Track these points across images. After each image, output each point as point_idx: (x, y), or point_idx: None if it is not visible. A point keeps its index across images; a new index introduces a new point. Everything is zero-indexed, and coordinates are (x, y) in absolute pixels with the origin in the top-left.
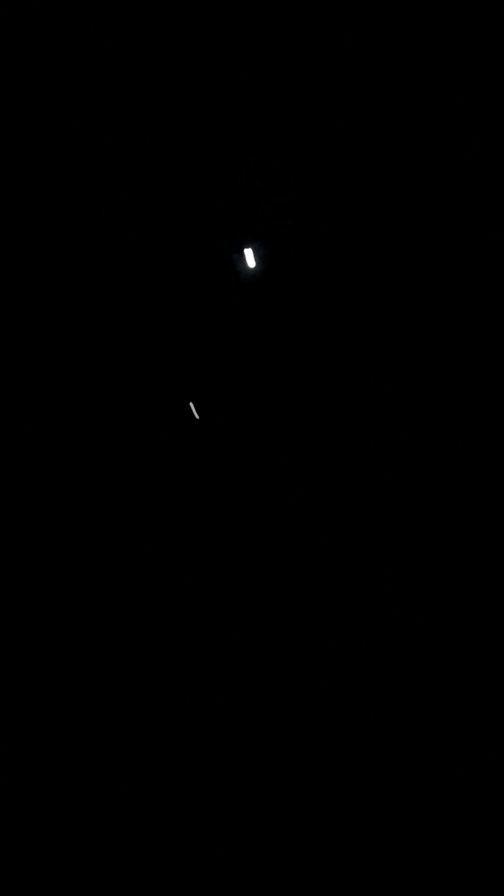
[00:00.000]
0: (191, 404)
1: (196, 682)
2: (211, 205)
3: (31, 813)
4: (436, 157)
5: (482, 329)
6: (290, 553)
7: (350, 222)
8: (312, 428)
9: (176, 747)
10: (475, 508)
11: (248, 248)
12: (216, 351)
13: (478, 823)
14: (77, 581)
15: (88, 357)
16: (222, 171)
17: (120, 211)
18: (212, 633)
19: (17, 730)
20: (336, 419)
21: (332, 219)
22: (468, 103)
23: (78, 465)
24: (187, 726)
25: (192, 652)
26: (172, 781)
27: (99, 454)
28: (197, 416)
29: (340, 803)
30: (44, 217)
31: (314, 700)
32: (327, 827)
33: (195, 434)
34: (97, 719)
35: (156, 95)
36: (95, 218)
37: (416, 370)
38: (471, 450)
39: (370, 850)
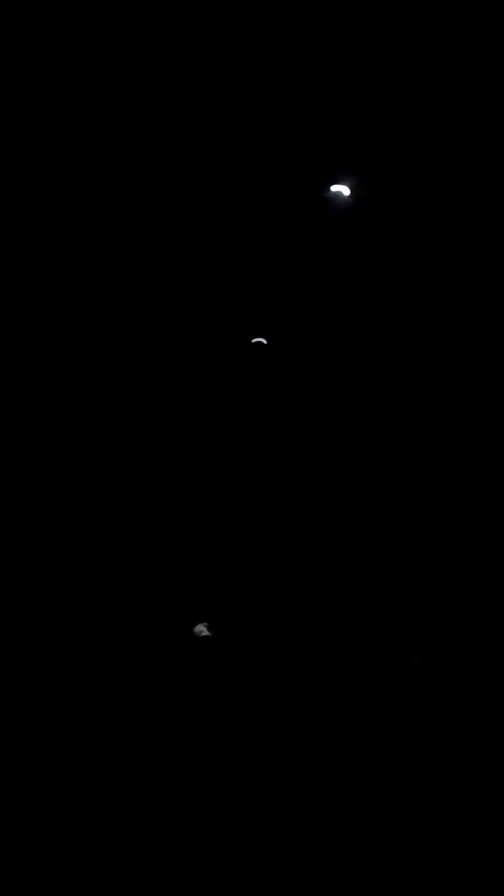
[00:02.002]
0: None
1: (195, 682)
2: (210, 205)
3: (32, 812)
4: (440, 163)
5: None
6: (291, 553)
7: (350, 223)
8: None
9: (175, 746)
10: (475, 510)
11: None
12: (213, 351)
13: (478, 823)
14: (77, 580)
15: (90, 360)
16: (222, 171)
17: (118, 212)
18: (211, 633)
19: (17, 729)
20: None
21: (333, 219)
22: (466, 100)
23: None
24: (186, 726)
25: (192, 652)
26: (172, 781)
27: (103, 453)
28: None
29: (340, 803)
30: (43, 220)
31: (314, 700)
32: (327, 827)
33: (198, 434)
34: (97, 718)
35: (155, 95)
36: (95, 217)
37: (419, 371)
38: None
39: (370, 849)
